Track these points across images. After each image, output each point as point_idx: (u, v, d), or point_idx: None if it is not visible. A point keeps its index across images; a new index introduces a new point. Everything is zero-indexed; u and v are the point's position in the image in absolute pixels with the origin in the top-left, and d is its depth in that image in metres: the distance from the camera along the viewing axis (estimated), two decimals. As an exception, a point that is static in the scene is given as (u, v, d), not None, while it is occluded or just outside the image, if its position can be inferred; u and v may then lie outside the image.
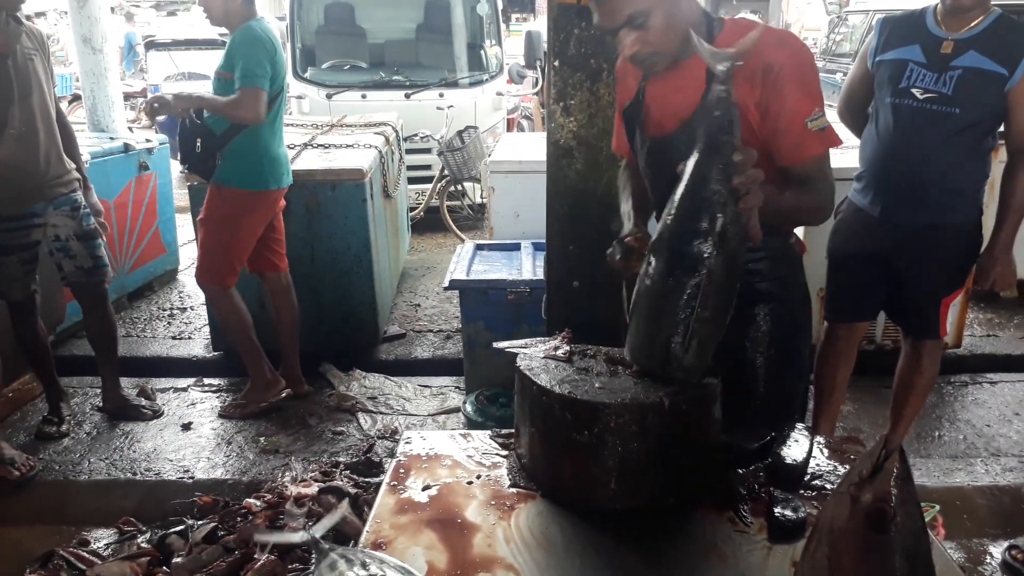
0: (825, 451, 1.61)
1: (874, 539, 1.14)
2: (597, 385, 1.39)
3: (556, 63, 2.43)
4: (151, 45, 10.97)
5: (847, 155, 3.31)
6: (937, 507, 2.77)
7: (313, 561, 1.15)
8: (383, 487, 1.45)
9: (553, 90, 2.45)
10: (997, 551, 2.71)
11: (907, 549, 1.14)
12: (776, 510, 1.37)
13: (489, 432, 1.64)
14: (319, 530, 1.22)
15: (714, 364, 1.41)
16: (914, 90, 2.52)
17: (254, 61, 3.15)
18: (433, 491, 1.43)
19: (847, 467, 1.52)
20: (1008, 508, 2.94)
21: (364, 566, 1.05)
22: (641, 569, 1.24)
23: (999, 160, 2.68)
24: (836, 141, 1.63)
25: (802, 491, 1.45)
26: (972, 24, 2.48)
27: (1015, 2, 6.19)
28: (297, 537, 1.29)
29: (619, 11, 1.58)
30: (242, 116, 3.19)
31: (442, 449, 1.59)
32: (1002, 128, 2.57)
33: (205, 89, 3.60)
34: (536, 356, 1.52)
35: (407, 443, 1.62)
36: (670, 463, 1.37)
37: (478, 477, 1.48)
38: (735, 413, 1.58)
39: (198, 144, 3.25)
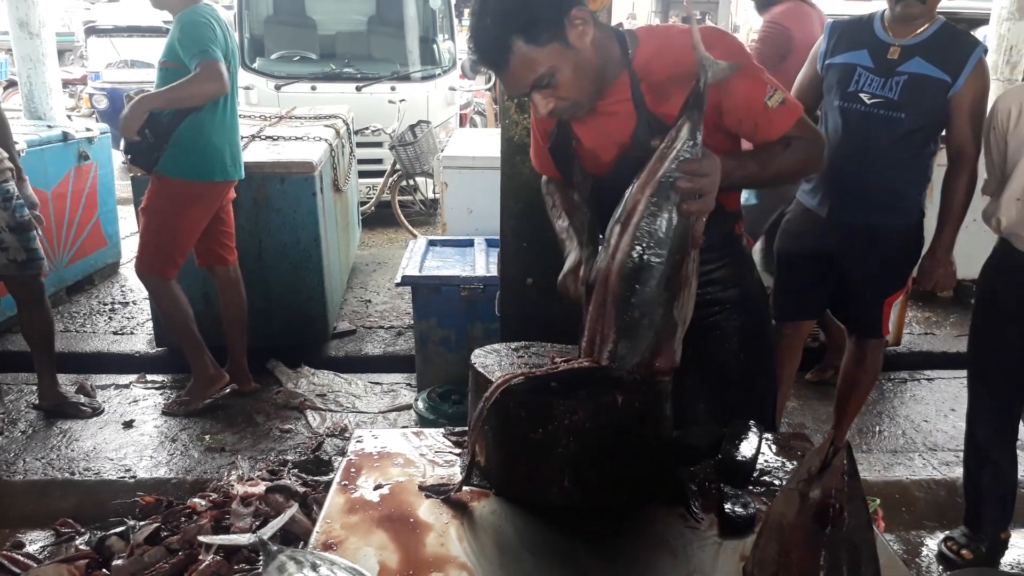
0: (773, 448, 1.63)
1: (822, 534, 1.16)
2: (553, 384, 1.38)
3: (511, 59, 2.42)
4: (92, 31, 10.62)
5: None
6: (877, 500, 2.85)
7: (261, 563, 1.12)
8: (334, 486, 1.42)
9: (508, 86, 2.44)
10: (934, 542, 2.80)
11: (853, 543, 1.17)
12: (726, 506, 1.38)
13: (442, 430, 1.63)
14: (267, 532, 1.20)
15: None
16: (862, 94, 2.58)
17: (201, 38, 3.07)
18: (385, 490, 1.41)
19: (795, 464, 1.55)
20: (944, 500, 3.04)
21: (314, 568, 1.03)
22: (594, 566, 1.24)
23: (939, 164, 2.77)
24: (798, 107, 1.61)
25: (751, 487, 1.47)
26: (918, 31, 2.55)
27: (956, 11, 6.40)
28: (244, 539, 1.26)
29: (522, 79, 1.50)
30: (207, 90, 3.07)
31: (394, 447, 1.57)
32: (943, 133, 2.65)
33: (148, 77, 3.50)
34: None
35: (358, 441, 1.59)
36: (623, 460, 1.37)
37: (432, 475, 1.47)
38: (716, 418, 1.62)
39: (147, 133, 3.15)
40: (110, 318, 4.66)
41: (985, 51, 2.54)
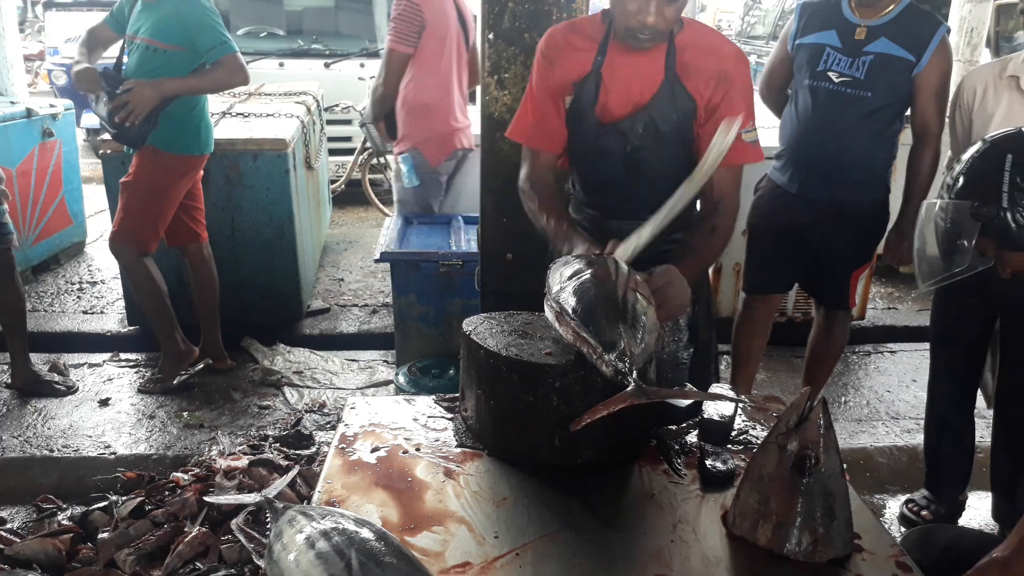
0: (749, 408, 1.71)
1: (799, 483, 1.24)
2: (542, 348, 1.44)
3: (491, 36, 2.44)
4: (50, 5, 10.33)
5: (768, 134, 3.46)
6: (843, 466, 2.96)
7: (269, 521, 1.16)
8: (332, 450, 1.46)
9: (488, 63, 2.47)
10: (896, 505, 2.93)
11: (828, 491, 1.25)
12: (707, 462, 1.46)
13: (434, 396, 1.68)
14: (272, 491, 1.24)
15: None
16: (830, 73, 2.66)
17: (218, 27, 3.17)
18: (382, 452, 1.46)
19: (770, 423, 1.62)
20: (905, 466, 3.17)
21: (323, 518, 1.07)
22: (585, 519, 1.30)
23: (903, 143, 2.86)
24: (761, 155, 1.81)
25: (730, 445, 1.54)
26: (884, 12, 2.62)
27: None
28: (251, 498, 1.30)
29: None
30: (234, 83, 3.27)
31: (388, 413, 1.61)
32: (908, 111, 2.74)
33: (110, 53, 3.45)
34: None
35: (352, 408, 1.63)
36: (611, 421, 1.43)
37: (425, 439, 1.52)
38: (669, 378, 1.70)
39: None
40: (79, 297, 4.61)
41: (948, 31, 2.63)
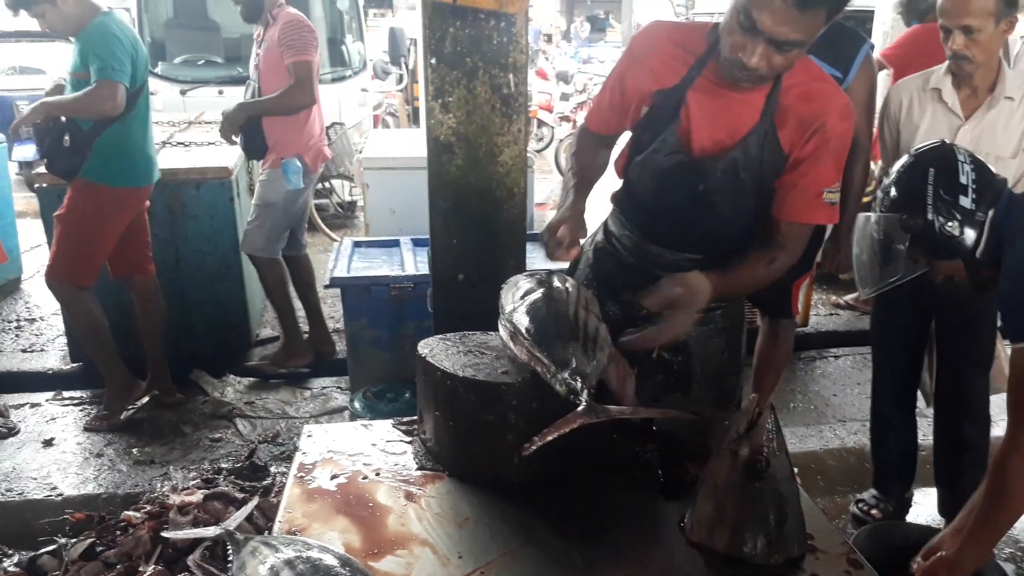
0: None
1: (752, 488, 1.28)
2: (498, 368, 1.45)
3: (433, 61, 2.47)
4: (-26, 36, 10.05)
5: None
6: (795, 470, 3.03)
7: (231, 553, 1.15)
8: (290, 479, 1.45)
9: (431, 88, 2.49)
10: (847, 505, 3.01)
11: (780, 494, 1.29)
12: (665, 473, 1.49)
13: (391, 421, 1.68)
14: (232, 523, 1.22)
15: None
16: (764, 90, 2.74)
17: (108, 54, 3.06)
18: (342, 479, 1.45)
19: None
20: (854, 467, 3.26)
21: (286, 547, 1.07)
22: (546, 534, 1.32)
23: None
24: (836, 219, 1.71)
25: (686, 454, 1.58)
26: (811, 30, 2.72)
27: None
28: (211, 531, 1.28)
29: (781, 30, 1.46)
30: (98, 108, 3.07)
31: (346, 440, 1.61)
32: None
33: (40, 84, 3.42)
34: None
35: (309, 436, 1.63)
36: (569, 436, 1.45)
37: (385, 463, 1.52)
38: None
39: (66, 140, 3.08)
40: (17, 336, 4.46)
41: (872, 47, 2.74)
